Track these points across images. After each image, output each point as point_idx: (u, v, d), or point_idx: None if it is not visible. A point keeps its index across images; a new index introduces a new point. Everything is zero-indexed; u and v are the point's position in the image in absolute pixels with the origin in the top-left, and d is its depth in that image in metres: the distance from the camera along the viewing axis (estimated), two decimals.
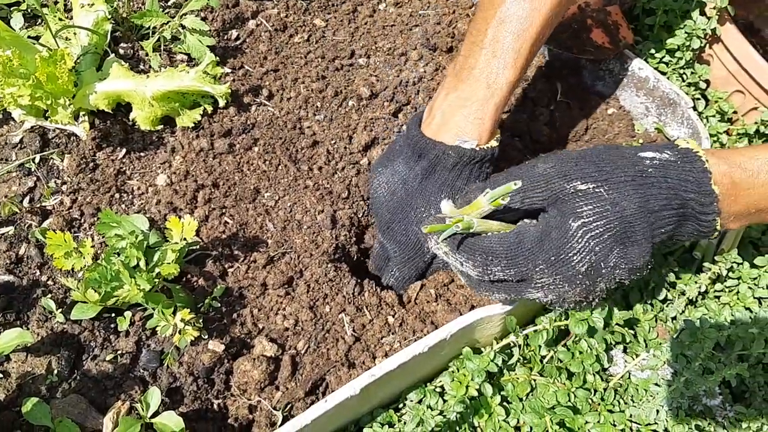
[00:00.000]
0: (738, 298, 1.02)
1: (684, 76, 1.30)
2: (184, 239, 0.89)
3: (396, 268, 0.99)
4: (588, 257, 0.76)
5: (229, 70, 1.21)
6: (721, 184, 0.78)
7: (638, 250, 0.77)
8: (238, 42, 1.27)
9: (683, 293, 1.02)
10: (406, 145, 0.97)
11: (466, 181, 0.93)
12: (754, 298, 1.00)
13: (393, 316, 0.95)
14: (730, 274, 1.05)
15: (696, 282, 1.02)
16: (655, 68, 1.26)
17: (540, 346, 0.93)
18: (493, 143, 0.93)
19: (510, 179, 0.81)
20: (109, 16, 1.17)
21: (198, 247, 0.97)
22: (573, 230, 0.77)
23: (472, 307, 0.96)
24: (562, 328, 0.94)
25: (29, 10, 1.24)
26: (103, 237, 0.95)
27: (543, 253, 0.78)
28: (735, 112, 1.30)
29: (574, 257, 0.77)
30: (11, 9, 1.23)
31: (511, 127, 1.19)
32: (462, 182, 0.93)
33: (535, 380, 0.92)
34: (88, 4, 1.16)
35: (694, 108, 1.19)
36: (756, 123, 1.25)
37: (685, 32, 1.26)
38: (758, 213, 0.81)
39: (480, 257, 0.81)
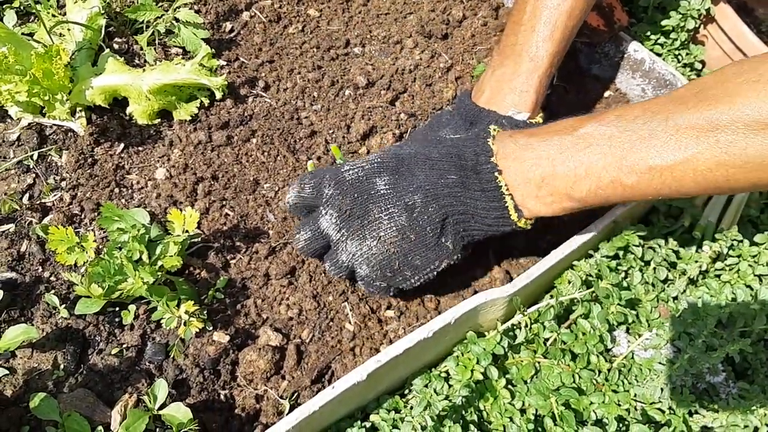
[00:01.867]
0: (739, 276, 1.02)
1: (680, 57, 1.30)
2: (186, 231, 0.89)
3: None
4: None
5: (225, 63, 1.21)
6: (500, 142, 0.83)
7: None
8: (232, 34, 1.26)
9: (684, 273, 1.03)
10: (458, 114, 1.02)
11: None
12: (755, 275, 1.01)
13: (395, 303, 0.95)
14: (731, 252, 1.05)
15: (696, 261, 1.03)
16: (651, 50, 1.26)
17: (544, 327, 0.94)
18: (539, 120, 0.99)
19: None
20: (103, 11, 1.16)
21: (200, 239, 0.97)
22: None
23: (475, 292, 0.97)
24: (566, 306, 0.95)
25: (22, 8, 1.23)
26: (104, 232, 0.95)
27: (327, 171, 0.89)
28: None
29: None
30: (4, 7, 1.23)
31: None
32: None
33: (539, 362, 0.93)
34: (81, 0, 1.15)
35: None
36: None
37: (680, 13, 1.26)
38: (547, 185, 0.80)
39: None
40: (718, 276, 1.05)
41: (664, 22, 1.28)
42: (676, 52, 1.30)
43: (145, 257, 0.86)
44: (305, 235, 0.89)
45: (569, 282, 0.94)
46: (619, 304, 0.92)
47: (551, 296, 0.95)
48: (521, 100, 0.98)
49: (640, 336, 0.96)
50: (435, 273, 0.87)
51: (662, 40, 1.30)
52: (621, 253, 1.00)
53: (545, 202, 0.81)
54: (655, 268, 1.02)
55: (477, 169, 0.82)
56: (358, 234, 0.85)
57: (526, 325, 0.92)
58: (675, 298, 1.02)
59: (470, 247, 0.89)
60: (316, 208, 0.89)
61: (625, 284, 1.00)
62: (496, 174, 0.81)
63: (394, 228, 0.83)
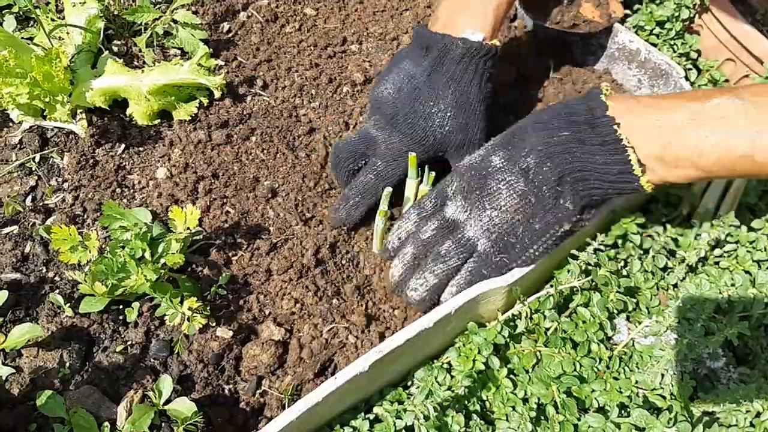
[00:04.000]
0: (737, 262, 1.03)
1: (675, 47, 1.31)
2: (188, 228, 0.90)
3: (383, 162, 0.99)
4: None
5: (223, 63, 1.22)
6: (616, 99, 0.80)
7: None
8: (230, 34, 1.28)
9: (683, 260, 1.03)
10: (414, 43, 1.01)
11: (471, 76, 0.95)
12: (753, 261, 1.01)
13: (400, 301, 0.96)
14: (729, 238, 1.06)
15: (695, 249, 1.03)
16: (646, 40, 1.27)
17: (544, 316, 0.94)
18: (496, 42, 0.97)
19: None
20: (101, 14, 1.17)
21: (201, 237, 0.98)
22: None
23: None
24: (566, 295, 0.95)
25: (21, 13, 1.25)
26: (107, 231, 0.96)
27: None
28: (727, 81, 1.31)
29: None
30: (3, 12, 1.24)
31: (504, 104, 1.19)
32: (468, 77, 0.95)
33: (540, 351, 0.93)
34: (80, 3, 1.16)
35: (686, 78, 1.19)
36: None
37: (674, 3, 1.27)
38: (672, 151, 0.77)
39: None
40: (717, 263, 1.05)
41: (658, 13, 1.28)
42: (672, 42, 1.31)
43: (147, 255, 0.87)
44: (433, 225, 0.89)
45: (568, 271, 0.94)
46: (618, 292, 0.93)
47: (551, 285, 0.96)
48: (477, 22, 0.96)
49: (640, 323, 0.97)
50: (555, 239, 0.85)
51: (657, 30, 1.31)
52: (620, 241, 1.00)
53: (669, 167, 0.78)
54: (654, 256, 1.02)
55: (592, 123, 0.79)
56: (479, 208, 0.86)
57: (527, 315, 0.92)
58: (675, 285, 1.02)
59: (593, 210, 0.86)
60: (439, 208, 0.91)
61: (624, 272, 1.01)
62: (615, 127, 0.77)
63: (514, 195, 0.83)
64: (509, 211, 0.84)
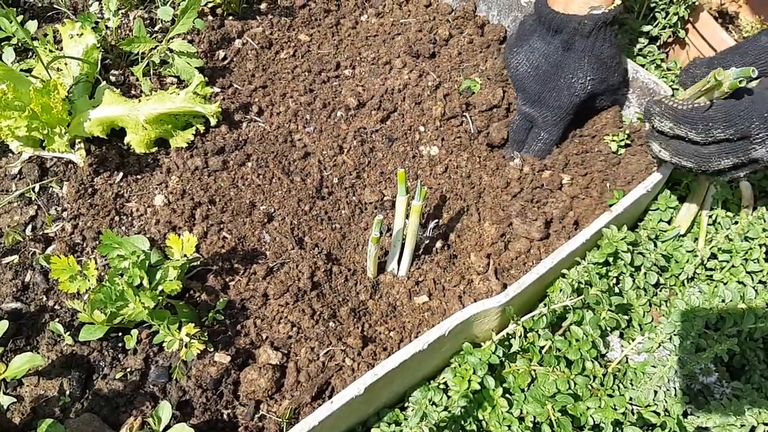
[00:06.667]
0: (731, 274, 1.04)
1: (661, 66, 1.33)
2: (185, 255, 0.91)
3: (545, 131, 1.17)
4: None
5: (219, 90, 1.24)
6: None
7: None
8: (225, 62, 1.30)
9: (676, 276, 1.05)
10: (539, 23, 1.14)
11: (602, 42, 1.09)
12: (747, 272, 1.03)
13: (397, 325, 0.97)
14: (722, 248, 1.07)
15: (688, 264, 1.04)
16: (633, 60, 1.29)
17: (539, 335, 0.95)
18: (617, 2, 1.08)
19: (737, 57, 0.95)
20: (99, 45, 1.20)
21: (199, 263, 1.00)
22: None
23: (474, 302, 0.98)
24: (559, 314, 0.96)
25: (20, 44, 1.27)
26: (105, 259, 0.98)
27: (756, 111, 0.87)
28: None
29: None
30: (2, 44, 1.26)
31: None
32: (599, 44, 1.09)
33: (535, 370, 0.94)
34: (78, 35, 1.19)
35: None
36: None
37: (660, 22, 1.29)
38: None
39: (702, 124, 0.91)
40: (710, 277, 1.07)
41: (644, 29, 1.31)
42: (658, 61, 1.33)
43: (145, 282, 0.88)
44: (728, 161, 0.91)
45: (560, 290, 0.96)
46: (610, 310, 0.94)
47: (544, 304, 0.97)
48: None
49: (633, 340, 0.98)
50: None
51: (646, 50, 1.33)
52: (611, 259, 1.02)
53: None
54: (645, 273, 1.04)
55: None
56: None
57: (521, 334, 0.94)
58: (666, 301, 1.04)
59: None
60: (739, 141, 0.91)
61: (616, 290, 1.02)
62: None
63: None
64: None
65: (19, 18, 1.32)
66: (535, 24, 1.15)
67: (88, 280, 0.88)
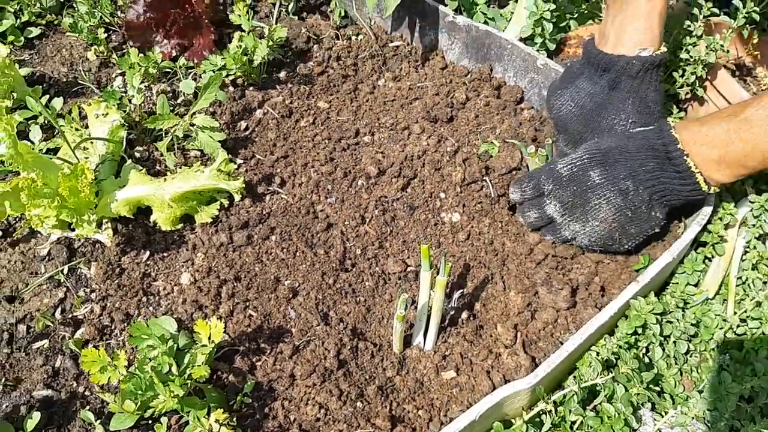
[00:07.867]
0: (762, 341, 1.02)
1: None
2: (212, 341, 0.92)
3: None
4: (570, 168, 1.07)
5: (242, 161, 1.26)
6: (680, 131, 1.00)
7: (624, 172, 1.02)
8: (247, 132, 1.32)
9: (706, 341, 1.03)
10: (588, 64, 1.17)
11: (647, 85, 1.12)
12: None
13: (425, 402, 0.97)
14: (752, 314, 1.05)
15: (717, 329, 1.03)
16: None
17: (569, 411, 0.94)
18: (663, 49, 1.11)
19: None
20: (123, 122, 1.23)
21: (226, 343, 1.00)
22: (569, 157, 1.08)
23: (504, 378, 0.98)
24: (590, 388, 0.95)
25: (46, 122, 1.30)
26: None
27: (545, 169, 1.10)
28: None
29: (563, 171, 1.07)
30: (29, 122, 1.30)
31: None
32: (645, 87, 1.12)
33: None
34: (103, 114, 1.21)
35: None
36: None
37: (679, 80, 1.30)
38: (724, 161, 0.97)
39: (517, 183, 1.14)
40: (741, 343, 1.05)
41: (664, 88, 1.31)
42: (679, 117, 1.33)
43: (174, 369, 0.89)
44: (533, 215, 1.13)
45: (590, 365, 0.95)
46: (643, 387, 0.93)
47: (574, 378, 0.96)
48: (645, 37, 1.09)
49: (666, 413, 0.97)
50: (645, 236, 1.07)
51: (665, 107, 1.33)
52: (640, 329, 1.00)
53: (725, 174, 0.99)
54: (675, 342, 1.02)
55: (669, 157, 1.00)
56: (581, 219, 1.06)
57: (551, 411, 0.92)
58: (697, 368, 1.02)
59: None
60: (538, 198, 1.11)
61: (646, 359, 1.01)
62: (685, 158, 0.98)
63: (613, 209, 1.03)
64: (608, 222, 1.04)
65: (45, 97, 1.36)
66: (582, 66, 1.18)
67: (118, 370, 0.89)
